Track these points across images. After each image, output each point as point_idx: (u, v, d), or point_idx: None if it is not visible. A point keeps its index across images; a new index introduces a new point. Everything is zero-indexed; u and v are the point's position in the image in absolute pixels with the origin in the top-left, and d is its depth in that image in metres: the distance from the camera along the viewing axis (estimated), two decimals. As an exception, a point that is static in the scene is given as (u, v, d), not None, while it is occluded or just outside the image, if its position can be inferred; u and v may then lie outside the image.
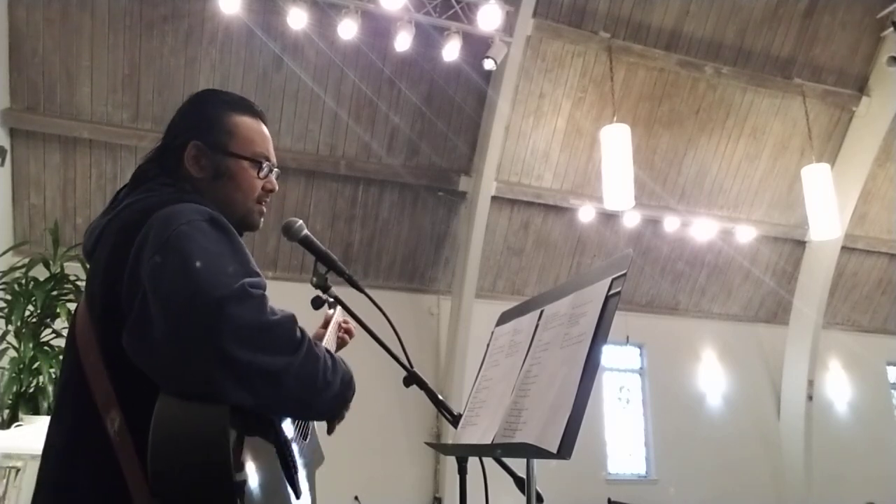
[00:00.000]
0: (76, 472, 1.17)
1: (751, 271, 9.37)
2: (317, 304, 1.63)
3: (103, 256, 1.26)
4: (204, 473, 1.04)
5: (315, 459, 1.50)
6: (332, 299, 1.64)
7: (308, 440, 1.47)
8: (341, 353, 1.94)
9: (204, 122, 1.42)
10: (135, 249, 1.17)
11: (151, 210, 1.23)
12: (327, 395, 1.22)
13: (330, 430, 1.42)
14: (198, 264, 1.11)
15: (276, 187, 1.49)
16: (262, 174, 1.44)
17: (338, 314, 1.87)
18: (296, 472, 1.26)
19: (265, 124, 1.50)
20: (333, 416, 1.34)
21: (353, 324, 1.80)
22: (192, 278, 1.09)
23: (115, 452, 1.12)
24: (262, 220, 1.49)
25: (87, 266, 1.37)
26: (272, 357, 1.10)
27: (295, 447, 1.32)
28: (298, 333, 1.17)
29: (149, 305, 1.10)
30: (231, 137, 1.42)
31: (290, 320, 1.16)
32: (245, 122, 1.45)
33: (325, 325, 1.88)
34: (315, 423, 1.54)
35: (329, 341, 1.81)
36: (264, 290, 1.16)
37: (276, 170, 1.49)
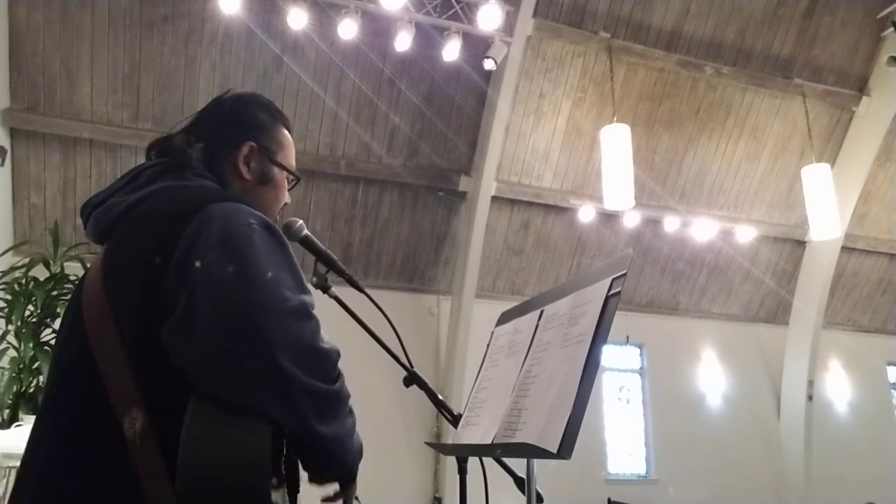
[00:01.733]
0: (73, 476, 1.06)
1: (751, 271, 9.37)
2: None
3: (139, 241, 1.16)
4: (242, 495, 1.01)
5: None
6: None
7: None
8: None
9: (260, 126, 1.41)
10: (185, 242, 1.09)
11: (200, 202, 1.16)
12: (352, 442, 1.24)
13: (335, 499, 1.36)
14: (262, 272, 1.09)
15: (289, 201, 1.51)
16: (290, 188, 1.48)
17: None
18: (297, 491, 1.24)
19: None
20: (353, 471, 1.31)
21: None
22: (253, 286, 1.07)
23: (131, 456, 1.02)
24: None
25: (102, 244, 1.27)
26: (318, 381, 1.10)
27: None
28: (339, 368, 1.18)
29: (198, 302, 1.05)
30: (280, 148, 1.43)
31: (337, 354, 1.17)
32: (288, 136, 1.47)
33: None
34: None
35: None
36: (314, 309, 1.16)
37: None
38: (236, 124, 1.39)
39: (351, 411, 1.23)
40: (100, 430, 1.06)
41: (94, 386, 1.07)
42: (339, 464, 1.25)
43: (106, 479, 1.04)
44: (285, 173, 1.44)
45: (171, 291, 1.07)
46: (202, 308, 1.04)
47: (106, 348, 1.09)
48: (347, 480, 1.32)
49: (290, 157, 1.46)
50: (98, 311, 1.14)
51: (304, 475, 1.44)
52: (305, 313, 1.11)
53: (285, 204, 1.49)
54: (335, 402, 1.16)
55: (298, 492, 1.25)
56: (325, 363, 1.14)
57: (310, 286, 1.55)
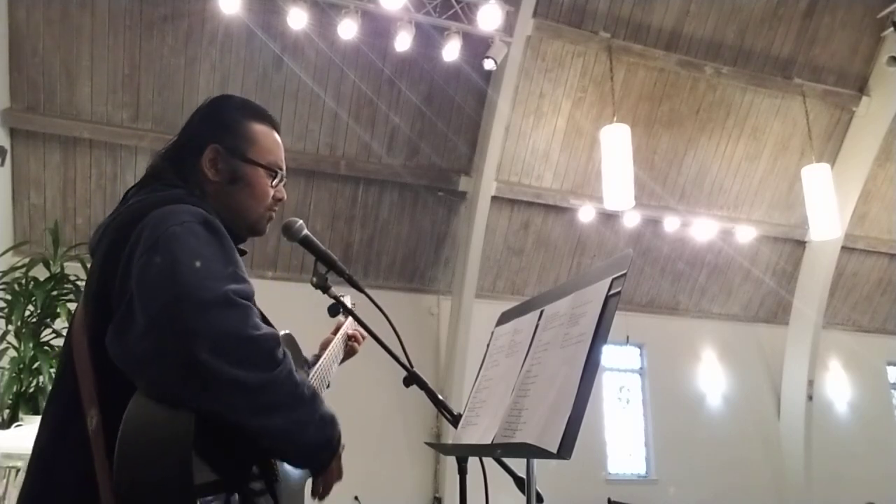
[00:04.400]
0: (55, 470, 1.17)
1: (751, 271, 9.37)
2: (333, 311, 1.63)
3: (100, 255, 1.26)
4: (161, 476, 1.02)
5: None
6: (345, 305, 1.64)
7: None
8: (351, 362, 1.94)
9: (224, 126, 1.43)
10: (128, 249, 1.17)
11: (149, 209, 1.22)
12: (308, 430, 1.17)
13: (315, 490, 1.30)
14: (183, 267, 1.09)
15: (285, 196, 1.51)
16: (274, 183, 1.46)
17: (348, 323, 1.88)
18: (276, 481, 1.23)
19: (279, 134, 1.52)
20: (318, 462, 1.24)
21: (361, 332, 1.81)
22: (175, 280, 1.08)
23: (91, 451, 1.11)
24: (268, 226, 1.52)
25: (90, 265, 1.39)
26: (247, 371, 1.07)
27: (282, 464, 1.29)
28: (280, 353, 1.13)
29: (133, 303, 1.10)
30: (250, 144, 1.43)
31: (273, 338, 1.13)
32: (263, 130, 1.47)
33: (336, 331, 1.89)
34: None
35: (335, 348, 1.81)
36: (250, 299, 1.14)
37: (284, 179, 1.51)
38: (202, 129, 1.43)
39: (311, 397, 1.18)
40: (73, 428, 1.15)
41: (71, 389, 1.18)
42: (295, 455, 1.21)
43: (76, 470, 1.14)
44: (262, 169, 1.43)
45: (117, 298, 1.15)
46: (136, 307, 1.09)
47: (81, 356, 1.19)
48: (316, 469, 1.27)
49: (269, 151, 1.46)
50: (78, 323, 1.24)
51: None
52: (229, 301, 1.08)
53: (280, 199, 1.48)
54: (272, 391, 1.11)
55: (276, 481, 1.23)
56: (258, 349, 1.10)
57: (310, 285, 1.56)
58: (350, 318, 1.73)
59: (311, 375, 1.69)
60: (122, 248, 1.18)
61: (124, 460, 1.03)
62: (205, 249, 1.15)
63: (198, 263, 1.11)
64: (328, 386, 1.81)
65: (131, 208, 1.29)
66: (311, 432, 1.19)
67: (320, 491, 1.29)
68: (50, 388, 3.83)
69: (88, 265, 1.39)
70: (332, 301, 1.61)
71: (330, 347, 1.81)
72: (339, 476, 1.30)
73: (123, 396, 1.08)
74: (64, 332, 3.96)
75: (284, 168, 1.51)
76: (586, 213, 8.20)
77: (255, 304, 1.17)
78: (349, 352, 1.92)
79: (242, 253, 1.52)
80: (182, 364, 1.04)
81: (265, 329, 1.13)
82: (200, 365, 1.03)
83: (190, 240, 1.14)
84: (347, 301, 1.67)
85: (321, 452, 1.23)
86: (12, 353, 4.08)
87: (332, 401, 1.32)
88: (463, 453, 1.63)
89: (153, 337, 1.06)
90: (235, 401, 1.07)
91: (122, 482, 1.03)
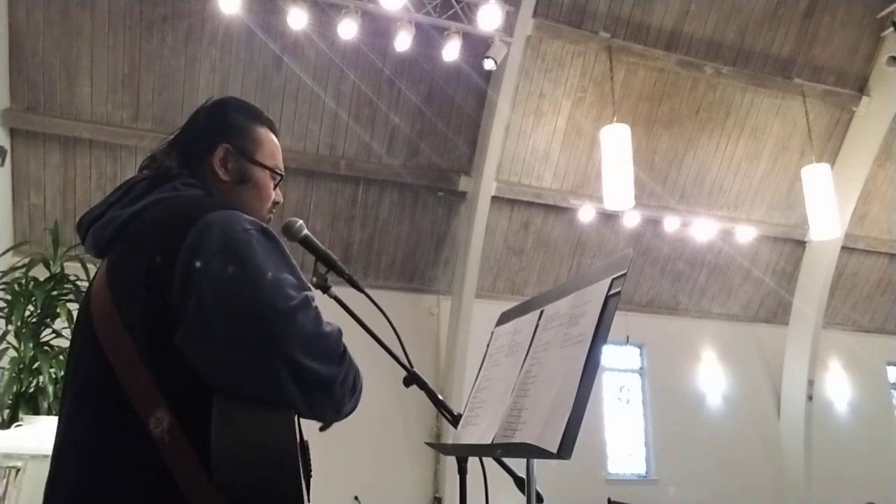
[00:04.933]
0: (107, 475, 1.13)
1: (751, 271, 9.37)
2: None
3: (142, 251, 1.22)
4: (280, 483, 1.08)
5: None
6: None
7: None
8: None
9: (234, 127, 1.45)
10: (187, 250, 1.16)
11: (198, 211, 1.23)
12: (354, 401, 1.30)
13: (325, 426, 1.41)
14: (264, 274, 1.15)
15: (282, 200, 1.54)
16: (276, 186, 1.50)
17: None
18: (310, 475, 1.28)
19: (277, 137, 1.55)
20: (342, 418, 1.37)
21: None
22: (261, 287, 1.13)
23: (161, 454, 1.09)
24: None
25: (102, 257, 1.34)
26: (327, 366, 1.17)
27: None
28: (343, 344, 1.24)
29: (208, 307, 1.11)
30: (258, 147, 1.46)
31: (339, 333, 1.23)
32: (268, 134, 1.50)
33: None
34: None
35: None
36: (314, 301, 1.22)
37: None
38: (211, 129, 1.44)
39: (349, 371, 1.27)
40: (126, 433, 1.12)
41: (113, 392, 1.14)
42: (352, 409, 1.33)
43: (139, 476, 1.11)
44: (267, 171, 1.46)
45: (178, 298, 1.14)
46: (213, 312, 1.11)
47: (121, 355, 1.16)
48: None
49: (272, 155, 1.49)
50: (108, 321, 1.20)
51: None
52: (309, 305, 1.17)
53: (277, 203, 1.51)
54: (345, 383, 1.22)
55: (311, 476, 1.30)
56: (331, 343, 1.19)
57: (310, 286, 1.57)
58: None
59: None
60: (173, 250, 1.17)
61: (229, 467, 1.06)
62: (275, 258, 1.21)
63: (273, 271, 1.17)
64: None
65: (165, 207, 1.29)
66: (356, 398, 1.30)
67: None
68: (51, 388, 3.84)
69: (90, 261, 1.37)
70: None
71: None
72: None
73: (194, 396, 1.10)
74: (64, 333, 3.97)
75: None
76: (586, 213, 8.20)
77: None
78: None
79: None
80: (278, 365, 1.11)
81: (331, 325, 1.22)
82: (295, 364, 1.12)
83: (259, 248, 1.19)
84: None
85: (350, 411, 1.34)
86: (12, 353, 4.08)
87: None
88: (463, 453, 1.63)
89: (246, 342, 1.10)
90: (321, 394, 1.18)
91: (230, 490, 1.06)
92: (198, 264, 1.14)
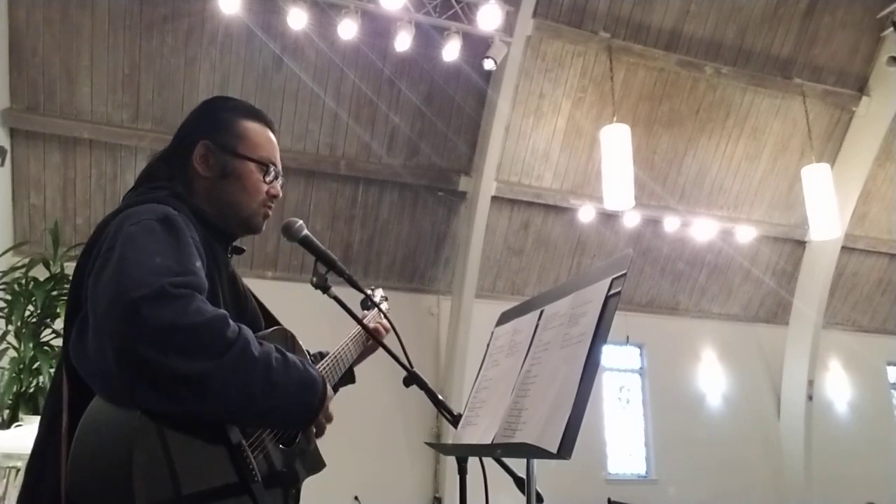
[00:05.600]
0: (43, 472, 1.20)
1: (751, 271, 9.37)
2: (363, 304, 1.81)
3: (80, 259, 1.27)
4: (106, 479, 1.03)
5: (306, 467, 1.44)
6: (372, 299, 1.75)
7: (293, 447, 1.40)
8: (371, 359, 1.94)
9: (214, 123, 1.46)
10: (94, 253, 1.20)
11: (118, 211, 1.27)
12: (274, 401, 1.14)
13: (315, 435, 1.37)
14: (127, 266, 1.08)
15: (280, 193, 1.52)
16: (268, 178, 1.48)
17: (370, 316, 1.89)
18: (254, 480, 1.19)
19: (274, 133, 1.54)
20: (295, 424, 1.27)
21: (384, 325, 1.86)
22: (116, 280, 1.07)
23: (61, 453, 1.13)
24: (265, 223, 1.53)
25: None
26: (190, 361, 1.04)
27: (260, 455, 1.26)
28: (230, 334, 1.09)
29: (88, 308, 1.12)
30: (240, 140, 1.46)
31: (219, 320, 1.09)
32: (254, 127, 1.49)
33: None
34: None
35: (349, 341, 1.79)
36: (195, 288, 1.11)
37: (281, 177, 1.53)
38: (192, 127, 1.47)
39: (280, 364, 1.15)
40: (52, 433, 1.19)
41: (57, 393, 1.23)
42: (270, 423, 1.25)
43: (47, 473, 1.17)
44: (253, 164, 1.45)
45: (85, 302, 1.15)
46: (88, 312, 1.11)
47: (64, 356, 1.22)
48: (301, 428, 1.32)
49: (260, 147, 1.48)
50: (69, 328, 1.23)
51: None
52: (164, 293, 1.05)
53: (273, 195, 1.50)
54: (223, 372, 1.07)
55: (256, 480, 1.21)
56: (199, 336, 1.06)
57: (310, 285, 1.56)
58: (372, 313, 1.82)
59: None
60: (90, 253, 1.21)
61: (73, 464, 1.06)
62: (153, 245, 1.13)
63: (139, 261, 1.09)
64: (352, 381, 1.84)
65: (115, 211, 1.31)
66: (282, 398, 1.15)
67: (315, 434, 1.33)
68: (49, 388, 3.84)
69: None
70: (362, 297, 1.75)
71: (341, 344, 1.77)
72: (329, 419, 1.31)
73: (87, 400, 1.10)
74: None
75: (279, 164, 1.52)
76: (586, 213, 8.20)
77: (202, 292, 1.13)
78: (369, 348, 1.85)
79: (240, 251, 1.53)
80: (126, 365, 1.02)
81: (210, 313, 1.09)
82: (144, 362, 1.02)
83: (141, 238, 1.14)
84: (377, 295, 1.76)
85: (298, 416, 1.21)
86: (12, 353, 4.08)
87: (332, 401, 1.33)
88: (463, 453, 1.63)
89: (99, 339, 1.05)
90: (183, 392, 1.04)
91: (73, 486, 1.06)
92: (94, 265, 1.16)
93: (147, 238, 1.14)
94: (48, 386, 3.87)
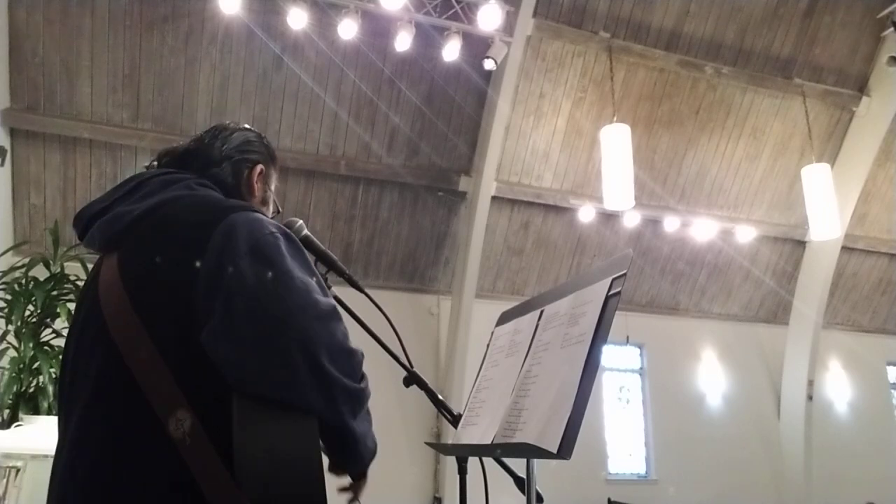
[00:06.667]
0: (122, 478, 1.09)
1: (751, 271, 9.36)
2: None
3: (162, 249, 1.20)
4: (302, 486, 1.10)
5: None
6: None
7: None
8: None
9: (272, 156, 1.55)
10: (213, 250, 1.15)
11: (222, 211, 1.23)
12: (371, 436, 1.33)
13: (354, 490, 1.43)
14: (293, 279, 1.15)
15: None
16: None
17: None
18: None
19: None
20: (365, 465, 1.39)
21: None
22: (291, 291, 1.13)
23: (180, 455, 1.06)
24: None
25: (106, 252, 1.29)
26: (350, 380, 1.18)
27: None
28: (363, 371, 1.25)
29: (235, 308, 1.10)
30: (273, 182, 1.57)
31: (362, 354, 1.24)
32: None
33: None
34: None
35: None
36: None
37: None
38: (255, 147, 1.51)
39: (369, 411, 1.31)
40: (145, 434, 1.09)
41: (132, 392, 1.10)
42: (359, 458, 1.34)
43: (156, 478, 1.08)
44: (273, 203, 1.56)
45: (203, 297, 1.12)
46: (242, 314, 1.10)
47: (140, 354, 1.12)
48: (361, 474, 1.40)
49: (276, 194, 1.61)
50: (124, 318, 1.16)
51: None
52: (336, 315, 1.18)
53: (279, 212, 1.58)
54: (362, 401, 1.24)
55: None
56: (354, 363, 1.21)
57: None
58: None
59: None
60: (198, 248, 1.16)
61: (257, 467, 1.06)
62: (300, 263, 1.21)
63: (301, 276, 1.17)
64: None
65: (186, 203, 1.28)
66: (372, 439, 1.34)
67: (357, 491, 1.43)
68: (51, 388, 3.84)
69: (90, 261, 1.35)
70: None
71: None
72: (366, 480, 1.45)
73: (216, 398, 1.08)
74: (64, 332, 3.97)
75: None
76: (586, 213, 8.20)
77: None
78: None
79: None
80: (306, 371, 1.11)
81: (356, 345, 1.23)
82: (323, 371, 1.12)
83: (286, 252, 1.20)
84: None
85: (370, 458, 1.37)
86: (12, 353, 4.07)
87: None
88: (463, 453, 1.63)
89: (273, 345, 1.09)
90: (344, 406, 1.18)
91: (257, 488, 1.05)
92: (226, 265, 1.13)
93: (290, 252, 1.21)
94: (48, 386, 3.87)
